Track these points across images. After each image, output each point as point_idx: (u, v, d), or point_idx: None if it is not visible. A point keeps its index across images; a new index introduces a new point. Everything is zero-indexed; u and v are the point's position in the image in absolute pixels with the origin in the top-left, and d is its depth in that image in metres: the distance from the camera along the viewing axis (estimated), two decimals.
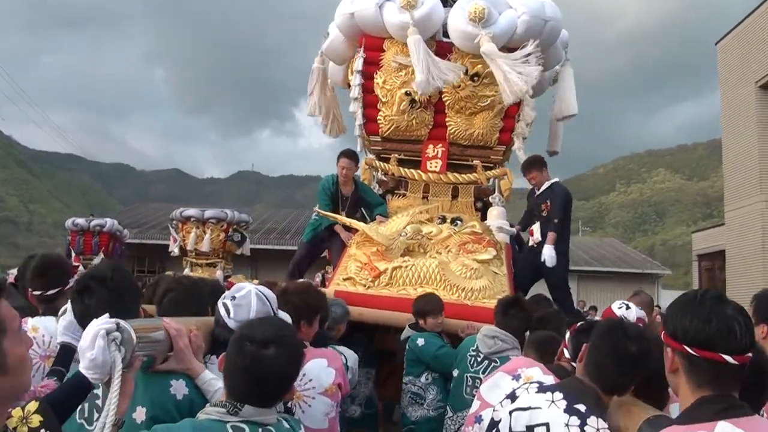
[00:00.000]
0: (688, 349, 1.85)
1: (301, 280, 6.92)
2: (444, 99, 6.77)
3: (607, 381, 2.40)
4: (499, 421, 2.43)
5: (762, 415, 2.77)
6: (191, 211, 15.68)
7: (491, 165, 7.17)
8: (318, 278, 10.46)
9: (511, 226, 7.14)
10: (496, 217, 6.86)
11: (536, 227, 7.00)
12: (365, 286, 5.71)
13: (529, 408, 2.36)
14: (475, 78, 6.60)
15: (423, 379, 5.00)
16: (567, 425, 2.26)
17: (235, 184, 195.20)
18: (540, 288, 6.81)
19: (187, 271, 13.62)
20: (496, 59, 6.20)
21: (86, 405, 2.15)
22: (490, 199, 7.13)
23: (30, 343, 2.91)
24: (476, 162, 7.06)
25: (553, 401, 2.34)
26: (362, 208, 7.24)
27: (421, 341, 5.00)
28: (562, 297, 6.73)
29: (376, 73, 6.84)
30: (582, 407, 2.30)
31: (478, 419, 3.36)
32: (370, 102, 6.97)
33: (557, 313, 5.03)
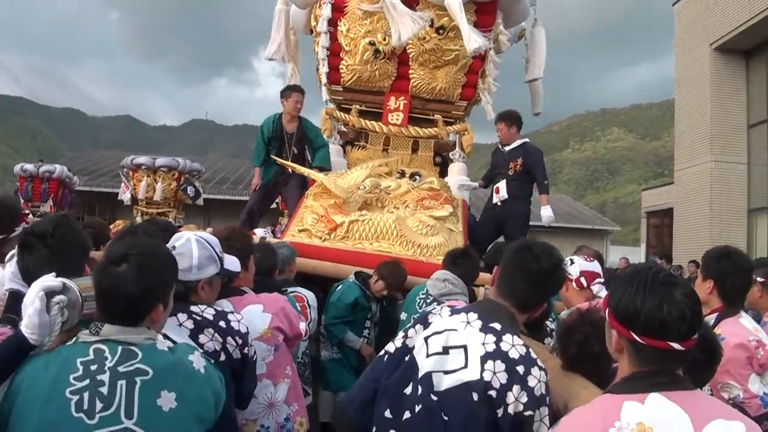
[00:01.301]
0: (636, 338, 1.83)
1: (259, 229, 6.90)
2: (408, 51, 6.68)
3: (520, 299, 2.42)
4: (413, 347, 2.40)
5: (708, 392, 2.88)
6: (142, 159, 15.43)
7: (452, 120, 7.13)
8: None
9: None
10: (456, 172, 6.86)
11: (502, 184, 6.97)
12: (321, 238, 5.66)
13: (445, 330, 2.35)
14: (441, 31, 6.52)
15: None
16: (483, 344, 2.26)
17: (189, 132, 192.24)
18: None
19: (137, 220, 13.38)
20: (460, 10, 6.10)
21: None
22: (451, 155, 7.11)
23: None
24: (437, 116, 7.01)
25: (468, 322, 2.34)
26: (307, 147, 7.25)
27: (339, 287, 5.23)
28: None
29: (340, 21, 6.71)
30: (497, 326, 2.31)
31: None
32: (332, 50, 6.86)
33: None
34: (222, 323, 2.75)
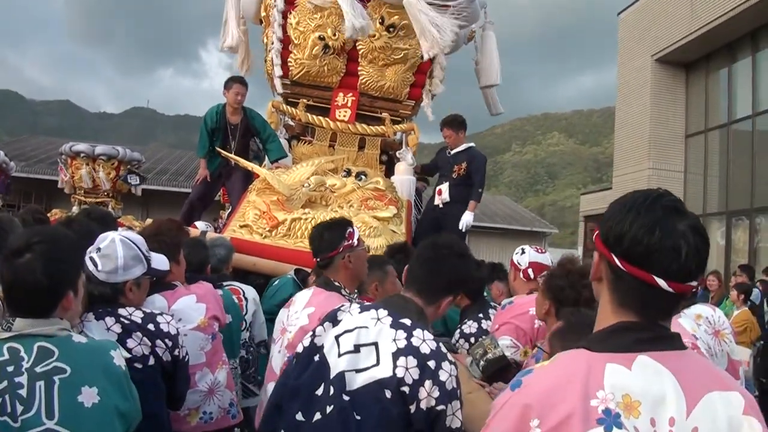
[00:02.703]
0: (617, 261, 1.50)
1: (200, 223, 6.76)
2: (358, 47, 6.65)
3: (421, 286, 2.45)
4: (322, 346, 2.38)
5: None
6: (81, 146, 15.00)
7: (399, 119, 7.12)
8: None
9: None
10: (403, 172, 6.84)
11: (445, 187, 7.02)
12: (262, 235, 5.59)
13: (356, 328, 2.34)
14: (391, 29, 6.51)
15: None
16: (395, 340, 2.26)
17: (129, 120, 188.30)
18: None
19: (75, 210, 13.03)
20: (417, 11, 6.07)
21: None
22: (398, 153, 7.08)
23: None
24: (385, 114, 6.99)
25: (378, 318, 2.34)
26: (254, 139, 7.19)
27: (276, 282, 5.10)
28: None
29: (291, 13, 6.62)
30: (407, 321, 2.32)
31: None
32: (282, 43, 6.74)
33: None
34: (151, 326, 2.68)
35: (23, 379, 1.95)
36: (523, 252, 3.89)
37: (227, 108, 7.00)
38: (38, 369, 1.98)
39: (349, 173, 6.53)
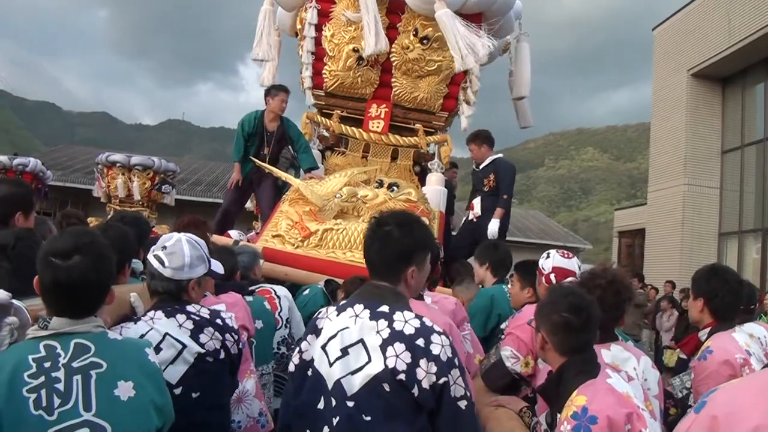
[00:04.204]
0: None
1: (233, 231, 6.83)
2: (392, 59, 6.66)
3: (375, 265, 2.44)
4: (311, 360, 2.36)
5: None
6: (117, 157, 15.29)
7: (432, 130, 7.13)
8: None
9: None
10: (435, 182, 6.84)
11: (477, 201, 7.16)
12: (294, 245, 5.61)
13: (338, 332, 2.31)
14: (425, 41, 6.51)
15: None
16: (378, 332, 2.24)
17: (165, 132, 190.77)
18: None
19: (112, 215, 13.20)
20: (451, 25, 6.09)
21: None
22: (430, 165, 7.10)
23: None
24: (418, 126, 7.00)
25: (357, 315, 2.32)
26: (287, 147, 7.26)
27: (307, 292, 5.10)
28: None
29: (325, 26, 6.67)
30: (385, 308, 2.30)
31: None
32: (316, 55, 6.82)
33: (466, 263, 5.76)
34: (218, 321, 2.79)
35: (60, 374, 1.99)
36: (548, 256, 3.79)
37: (267, 114, 7.12)
38: (75, 364, 2.03)
39: (381, 184, 6.54)
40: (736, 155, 18.60)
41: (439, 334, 2.25)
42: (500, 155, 7.32)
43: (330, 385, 2.26)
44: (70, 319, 2.09)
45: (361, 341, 2.25)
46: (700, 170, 18.85)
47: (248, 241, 6.83)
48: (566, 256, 3.84)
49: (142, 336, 2.57)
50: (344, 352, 2.27)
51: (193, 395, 2.62)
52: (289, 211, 5.93)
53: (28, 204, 3.43)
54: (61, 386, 1.99)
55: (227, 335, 2.77)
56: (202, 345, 2.66)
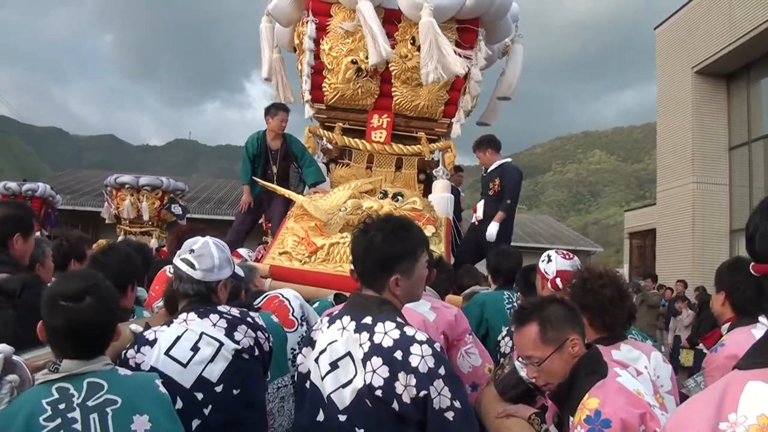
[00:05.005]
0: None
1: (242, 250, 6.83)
2: (391, 69, 6.64)
3: (363, 274, 2.43)
4: (308, 373, 2.37)
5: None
6: (126, 178, 15.40)
7: (436, 137, 7.10)
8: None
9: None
10: (440, 189, 6.82)
11: (480, 204, 7.25)
12: (301, 261, 5.56)
13: (327, 346, 2.32)
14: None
15: None
16: (361, 345, 2.24)
17: (172, 152, 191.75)
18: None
19: (120, 239, 13.26)
20: (430, 35, 6.06)
21: None
22: (434, 172, 7.07)
23: None
24: (421, 134, 6.98)
25: (344, 328, 2.32)
26: (294, 163, 7.31)
27: (316, 305, 5.03)
28: None
29: (323, 39, 6.67)
30: (368, 319, 2.29)
31: None
32: (315, 68, 6.81)
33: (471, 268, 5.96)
34: (249, 319, 2.83)
35: (76, 414, 2.03)
36: (549, 260, 3.74)
37: (268, 134, 7.26)
38: (90, 403, 2.06)
39: (385, 195, 6.52)
40: (743, 151, 18.52)
41: (420, 343, 2.21)
42: (508, 160, 7.38)
43: (325, 398, 2.28)
44: (81, 360, 2.12)
45: (349, 354, 2.27)
46: (708, 168, 18.78)
47: (256, 257, 6.85)
48: (567, 256, 3.82)
49: (178, 337, 2.63)
50: (334, 365, 2.28)
51: (234, 392, 2.66)
52: (294, 228, 5.91)
53: (26, 226, 3.44)
54: (78, 426, 2.02)
55: (259, 333, 2.81)
56: (237, 342, 2.70)
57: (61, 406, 2.02)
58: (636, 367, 2.80)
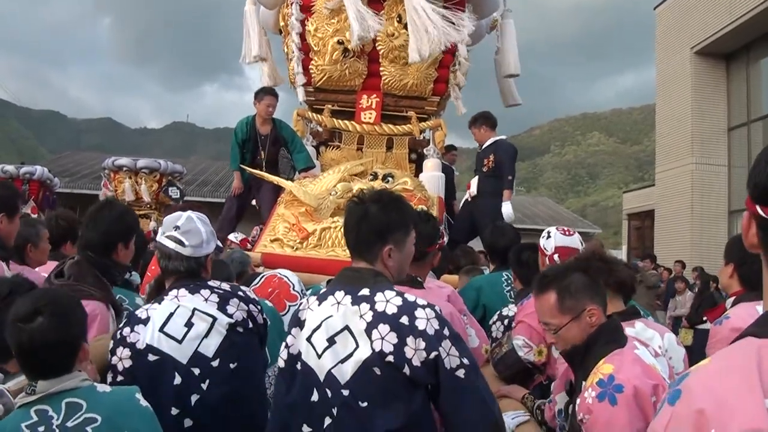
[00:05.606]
0: (760, 211, 1.22)
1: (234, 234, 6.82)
2: (378, 48, 6.55)
3: (353, 245, 2.44)
4: (299, 353, 2.32)
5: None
6: (124, 161, 15.39)
7: (426, 116, 7.02)
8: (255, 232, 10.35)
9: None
10: (431, 168, 6.76)
11: (474, 181, 7.24)
12: (293, 247, 5.54)
13: (322, 322, 2.28)
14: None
15: None
16: (362, 316, 2.21)
17: (170, 135, 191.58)
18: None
19: None
20: (414, 9, 5.93)
21: None
22: (425, 150, 7.00)
23: None
24: (411, 113, 6.89)
25: (338, 302, 2.29)
26: (284, 148, 7.24)
27: (309, 291, 5.03)
28: None
29: (308, 21, 6.58)
30: (366, 291, 2.27)
31: None
32: (302, 50, 6.72)
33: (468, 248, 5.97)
34: (240, 293, 2.81)
35: None
36: (549, 236, 3.65)
37: (257, 119, 7.17)
38: (69, 424, 2.03)
39: (375, 176, 6.44)
40: (742, 132, 18.44)
41: (423, 307, 2.22)
42: (502, 137, 7.36)
43: (322, 377, 2.23)
44: (54, 378, 2.09)
45: (347, 328, 2.24)
46: (707, 148, 18.73)
47: (250, 240, 6.84)
48: (567, 233, 3.72)
49: (171, 313, 2.62)
50: (331, 341, 2.24)
51: (231, 366, 2.65)
52: (285, 214, 5.85)
53: (10, 207, 3.37)
54: None
55: (251, 305, 2.78)
56: (230, 316, 2.68)
57: (41, 429, 2.00)
58: (651, 346, 2.77)
